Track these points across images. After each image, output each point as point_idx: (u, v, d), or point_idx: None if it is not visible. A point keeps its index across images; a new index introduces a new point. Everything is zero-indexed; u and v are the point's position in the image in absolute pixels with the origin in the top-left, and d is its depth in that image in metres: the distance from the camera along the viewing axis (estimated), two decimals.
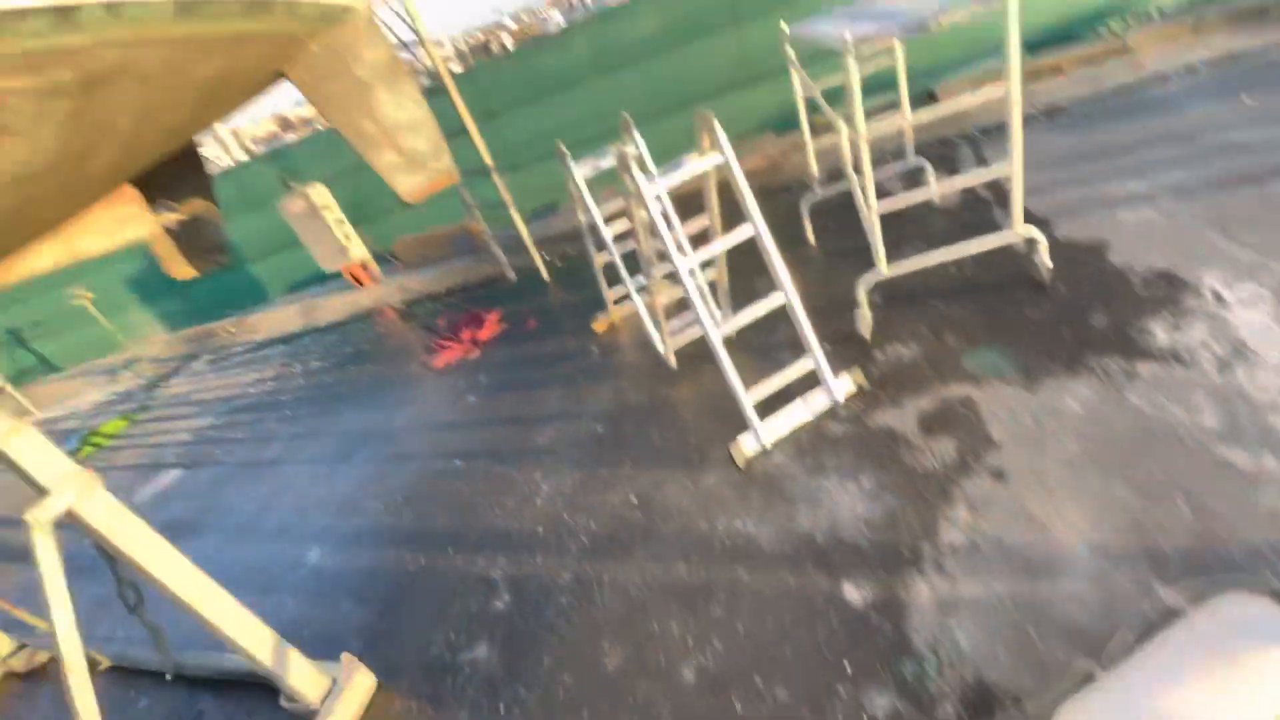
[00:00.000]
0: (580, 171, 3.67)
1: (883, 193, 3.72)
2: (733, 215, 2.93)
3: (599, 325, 4.65)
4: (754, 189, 2.81)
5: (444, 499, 3.56)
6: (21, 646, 3.67)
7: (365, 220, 8.19)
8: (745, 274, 4.10)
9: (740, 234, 2.85)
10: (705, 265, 3.97)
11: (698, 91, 7.08)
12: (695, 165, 2.80)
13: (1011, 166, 2.86)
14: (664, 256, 3.59)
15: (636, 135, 3.58)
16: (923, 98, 5.92)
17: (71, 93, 2.00)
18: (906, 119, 3.42)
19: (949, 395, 2.76)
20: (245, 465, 5.01)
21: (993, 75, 6.24)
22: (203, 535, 4.26)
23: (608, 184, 4.71)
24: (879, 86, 4.29)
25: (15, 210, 2.23)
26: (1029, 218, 3.39)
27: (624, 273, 4.15)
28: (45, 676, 3.59)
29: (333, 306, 8.22)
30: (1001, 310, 3.10)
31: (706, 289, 3.97)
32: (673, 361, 3.83)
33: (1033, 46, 6.04)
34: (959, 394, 2.74)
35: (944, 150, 5.02)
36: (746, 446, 2.83)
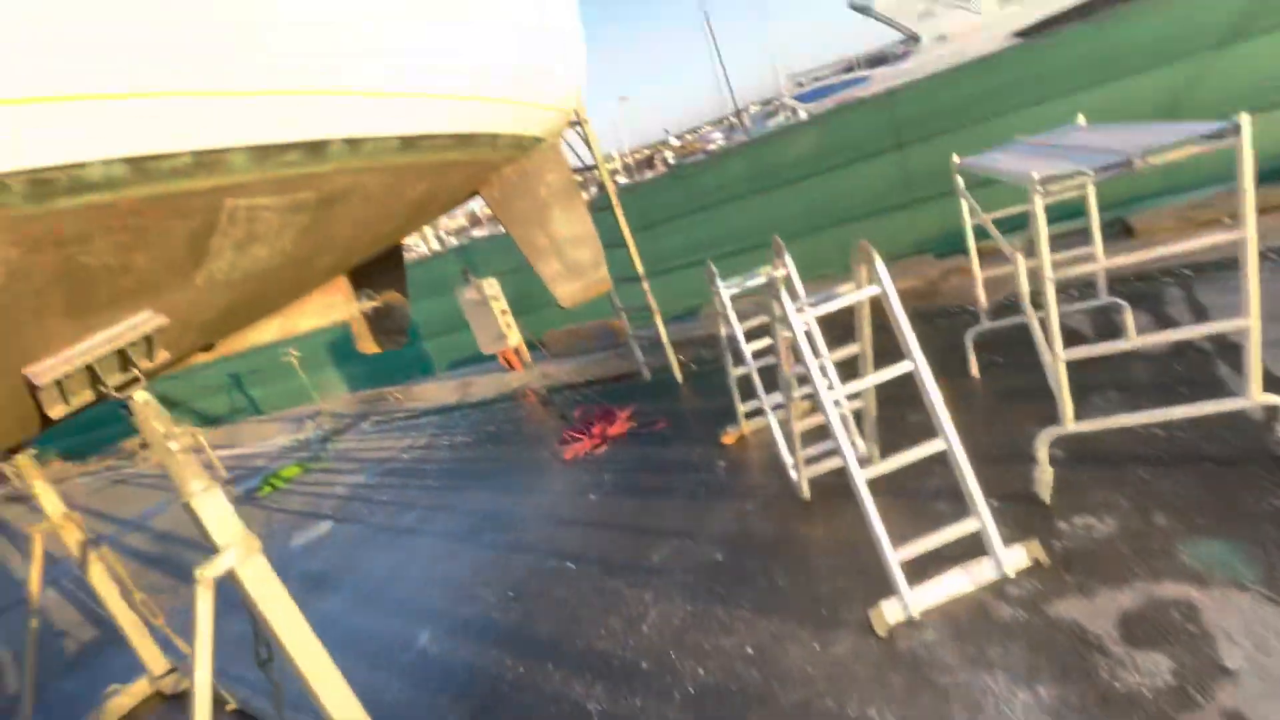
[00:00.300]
0: (727, 291, 3.69)
1: (1067, 331, 3.30)
2: (886, 340, 2.73)
3: (728, 438, 4.50)
4: (909, 311, 2.61)
5: (552, 604, 3.48)
6: (172, 670, 4.04)
7: (524, 311, 8.94)
8: (896, 402, 3.78)
9: (896, 370, 2.63)
10: (852, 396, 3.73)
11: (852, 211, 7.06)
12: (849, 297, 2.68)
13: (1248, 319, 2.40)
14: (806, 380, 3.44)
15: (787, 259, 3.56)
16: (1116, 228, 5.37)
17: (310, 209, 2.41)
18: (1100, 259, 3.06)
19: (1161, 594, 2.22)
20: (383, 529, 5.36)
21: (1201, 208, 5.55)
22: (334, 593, 4.54)
23: (754, 292, 4.71)
24: (1062, 215, 3.94)
25: (253, 298, 2.68)
26: (1269, 381, 2.79)
27: (760, 388, 4.02)
28: (186, 703, 3.90)
29: (484, 385, 8.90)
30: (1235, 493, 2.51)
31: (850, 418, 3.70)
32: (805, 491, 3.55)
33: (1264, 177, 5.31)
34: (1176, 595, 2.19)
35: (1145, 288, 4.43)
36: (889, 613, 2.46)
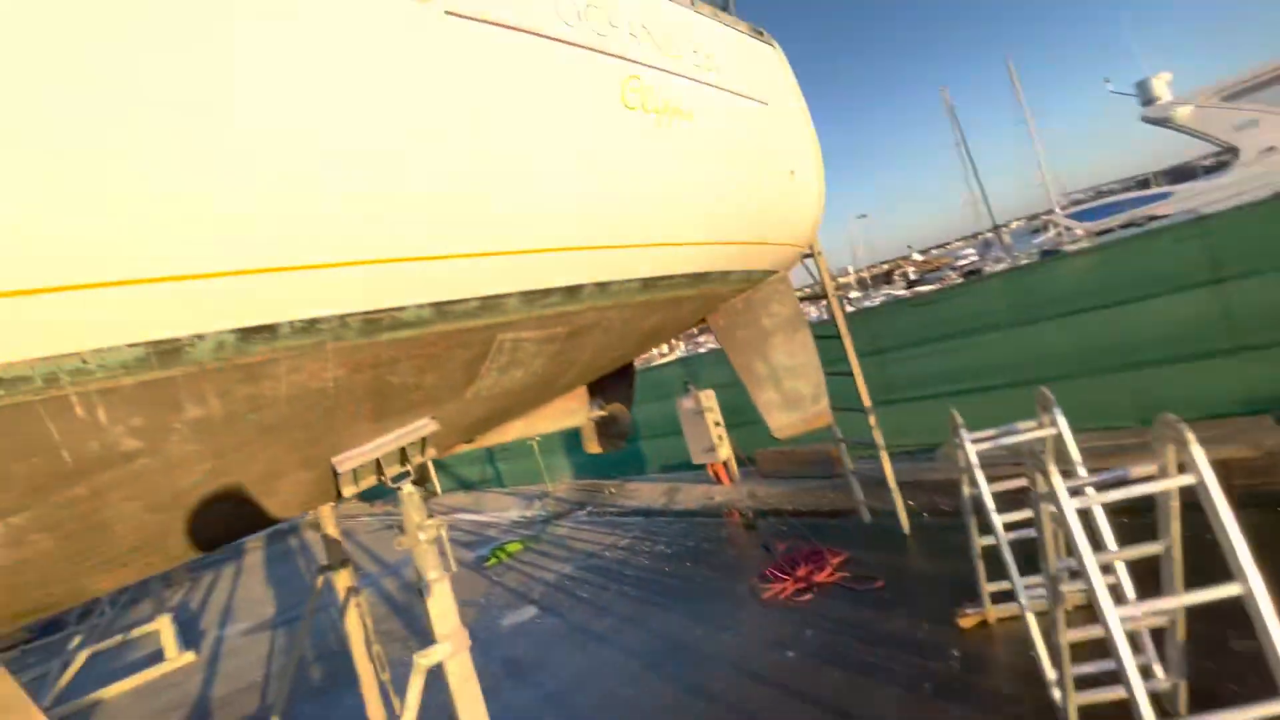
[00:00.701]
0: (974, 446, 3.19)
1: None
2: (1197, 522, 2.04)
3: (967, 620, 3.74)
4: (1236, 495, 1.93)
5: None
6: None
7: (737, 426, 8.91)
8: (1214, 615, 2.79)
9: (1216, 593, 1.95)
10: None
11: (1147, 354, 5.78)
12: (1149, 485, 2.11)
13: None
14: (1078, 575, 2.73)
15: (1058, 416, 2.98)
16: None
17: (560, 340, 2.75)
18: None
19: None
20: (579, 629, 5.47)
21: None
22: (523, 688, 4.69)
23: (1010, 451, 4.02)
24: None
25: (506, 408, 3.08)
26: None
27: (1013, 569, 3.31)
28: None
29: (691, 495, 8.93)
30: None
31: (1146, 635, 2.82)
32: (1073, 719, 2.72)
33: None
34: None
35: None
36: None
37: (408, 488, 2.45)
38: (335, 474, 2.22)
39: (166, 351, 1.53)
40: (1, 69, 1.16)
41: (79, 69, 1.25)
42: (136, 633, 9.55)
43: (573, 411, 4.44)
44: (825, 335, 5.13)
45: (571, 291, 2.46)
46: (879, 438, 5.41)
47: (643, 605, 5.62)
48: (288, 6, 1.54)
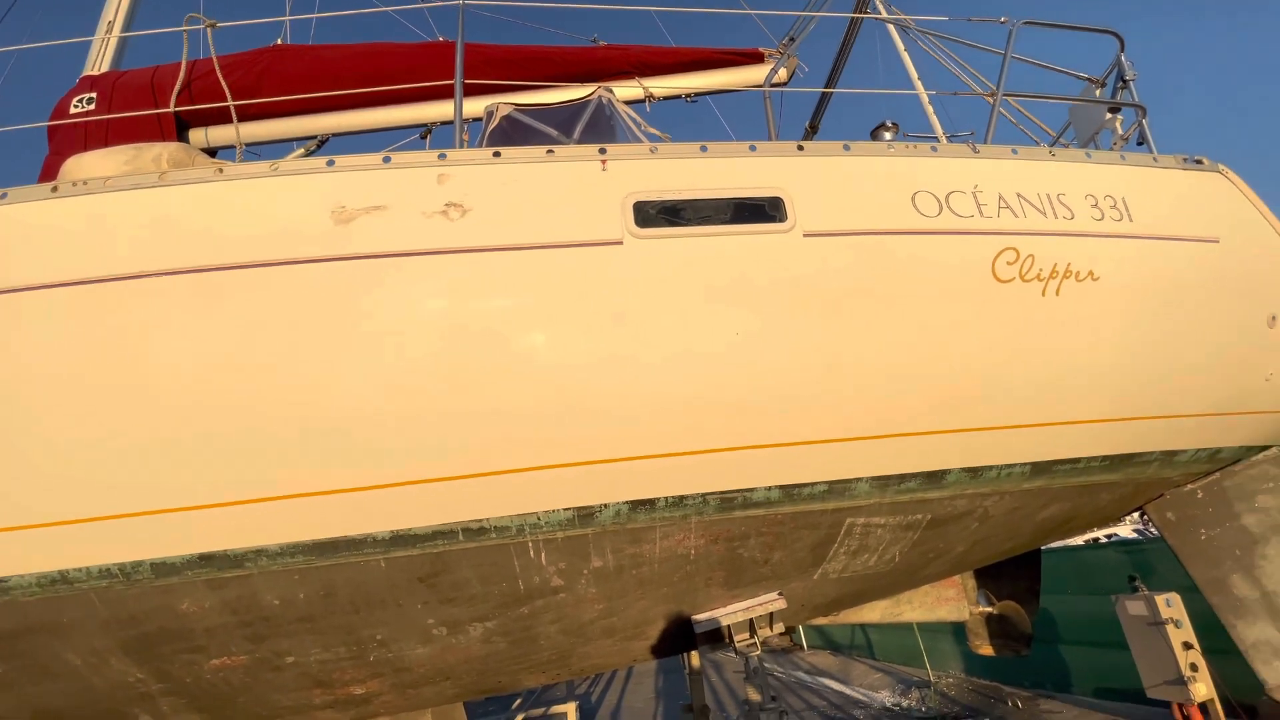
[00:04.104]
0: None
1: None
2: None
3: None
4: None
5: None
6: None
7: (1225, 652, 6.08)
8: None
9: None
10: None
11: None
12: None
13: None
14: None
15: None
16: None
17: (920, 528, 2.53)
18: None
19: None
20: None
21: None
22: None
23: None
24: None
25: (859, 591, 2.92)
26: None
27: None
28: None
29: None
30: None
31: None
32: None
33: None
34: None
35: None
36: None
37: (752, 663, 2.51)
38: (692, 630, 2.45)
39: (584, 515, 2.04)
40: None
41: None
42: (555, 710, 11.52)
43: (948, 600, 3.84)
44: None
45: (933, 477, 2.29)
46: None
47: None
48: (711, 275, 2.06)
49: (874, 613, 3.69)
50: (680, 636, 2.59)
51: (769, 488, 2.12)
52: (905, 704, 9.53)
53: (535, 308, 1.96)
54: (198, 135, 4.44)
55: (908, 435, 2.19)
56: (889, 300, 2.19)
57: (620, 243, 2.03)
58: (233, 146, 4.46)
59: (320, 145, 4.24)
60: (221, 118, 3.98)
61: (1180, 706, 6.33)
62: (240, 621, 2.06)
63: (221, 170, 2.09)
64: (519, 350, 1.93)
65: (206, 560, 1.96)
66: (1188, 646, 6.16)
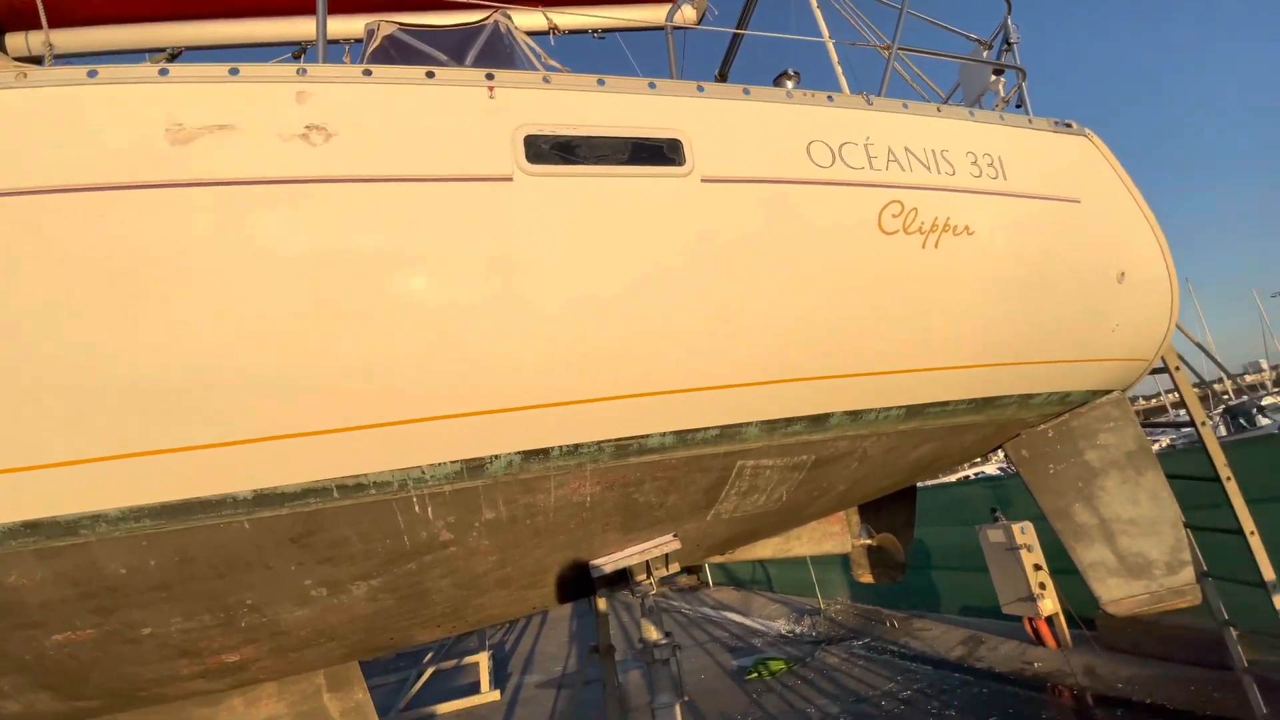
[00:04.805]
0: None
1: None
2: None
3: None
4: None
5: None
6: None
7: (1069, 573, 7.03)
8: None
9: None
10: None
11: None
12: None
13: None
14: None
15: None
16: None
17: (805, 468, 2.65)
18: None
19: None
20: None
21: None
22: None
23: None
24: None
25: (749, 530, 3.06)
26: None
27: None
28: None
29: (998, 652, 7.24)
30: None
31: None
32: None
33: None
34: None
35: None
36: None
37: (647, 601, 2.58)
38: (591, 576, 2.48)
39: (473, 467, 1.97)
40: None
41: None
42: (467, 660, 11.63)
43: (833, 535, 4.13)
44: (1191, 477, 3.84)
45: (817, 420, 2.39)
46: None
47: None
48: (573, 196, 1.96)
49: (766, 549, 3.90)
50: (579, 582, 2.61)
51: (663, 434, 2.14)
52: (798, 630, 10.38)
53: (414, 247, 1.81)
54: (15, 41, 3.73)
55: (796, 381, 2.26)
56: (783, 249, 2.21)
57: (510, 179, 1.91)
58: (75, 55, 3.77)
59: (172, 60, 3.68)
60: (54, 20, 3.36)
61: (1030, 620, 7.30)
62: (82, 593, 1.85)
63: (25, 75, 1.74)
64: (395, 294, 1.78)
65: (32, 528, 1.72)
66: (1037, 568, 7.05)
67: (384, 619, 2.26)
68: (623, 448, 2.11)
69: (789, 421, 2.34)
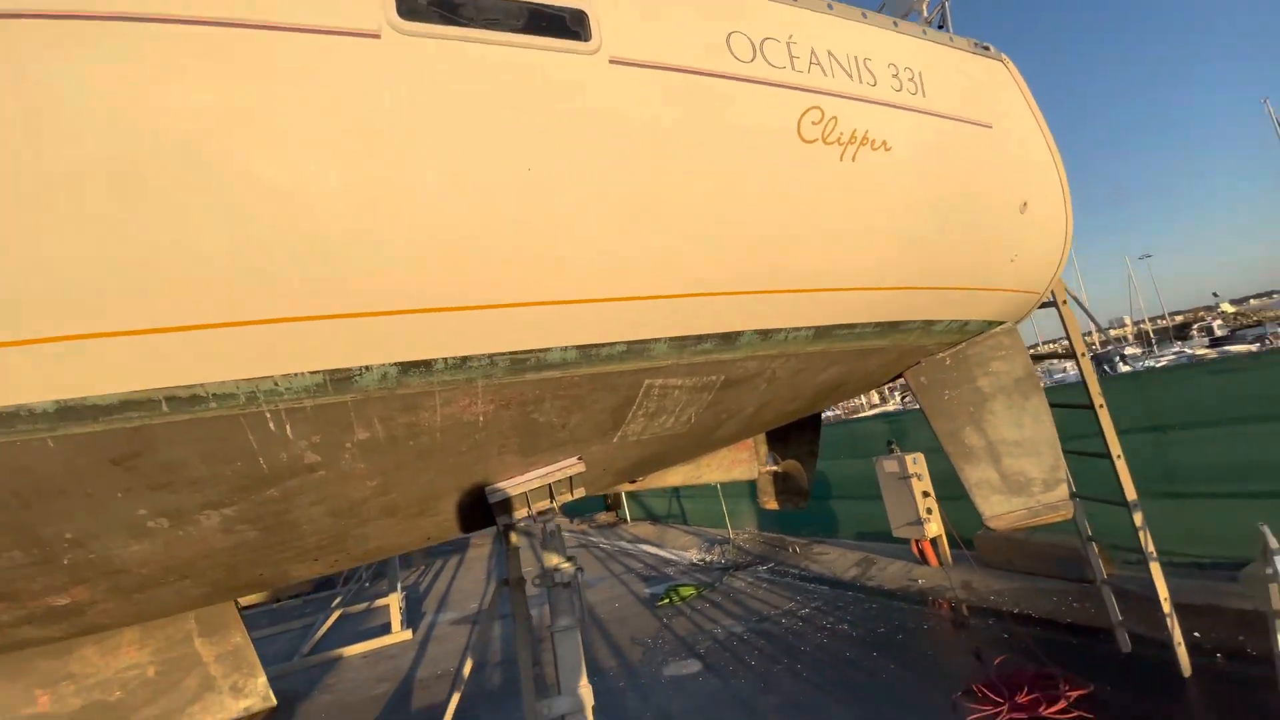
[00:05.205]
0: None
1: None
2: None
3: None
4: None
5: None
6: None
7: (953, 498, 7.66)
8: None
9: None
10: None
11: None
12: None
13: None
14: None
15: None
16: None
17: (715, 389, 2.58)
18: None
19: None
20: (740, 702, 5.06)
21: None
22: None
23: None
24: None
25: (659, 454, 2.99)
26: None
27: None
28: None
29: (888, 572, 7.86)
30: None
31: None
32: None
33: None
34: None
35: None
36: None
37: (549, 526, 2.46)
38: (488, 502, 2.32)
39: (340, 380, 1.72)
40: None
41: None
42: (379, 603, 11.41)
43: (741, 462, 4.19)
44: (1070, 405, 4.14)
45: (727, 338, 2.29)
46: (1148, 542, 4.15)
47: (815, 692, 5.00)
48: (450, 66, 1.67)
49: (677, 476, 3.90)
50: (477, 510, 2.45)
51: (565, 348, 1.96)
52: (709, 559, 10.86)
53: (254, 110, 1.48)
54: None
55: (707, 295, 2.13)
56: (698, 149, 2.03)
57: (377, 35, 1.59)
58: None
59: None
60: None
61: (916, 542, 7.94)
62: None
63: None
64: (228, 167, 1.46)
65: None
66: (925, 495, 7.60)
67: (248, 553, 2.01)
68: (519, 362, 1.92)
69: (699, 339, 2.23)
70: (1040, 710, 3.94)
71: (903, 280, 2.70)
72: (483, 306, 1.80)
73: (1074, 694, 4.04)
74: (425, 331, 1.76)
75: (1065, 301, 4.05)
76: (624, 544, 14.09)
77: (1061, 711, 3.90)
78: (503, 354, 1.88)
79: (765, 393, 2.72)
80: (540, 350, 1.93)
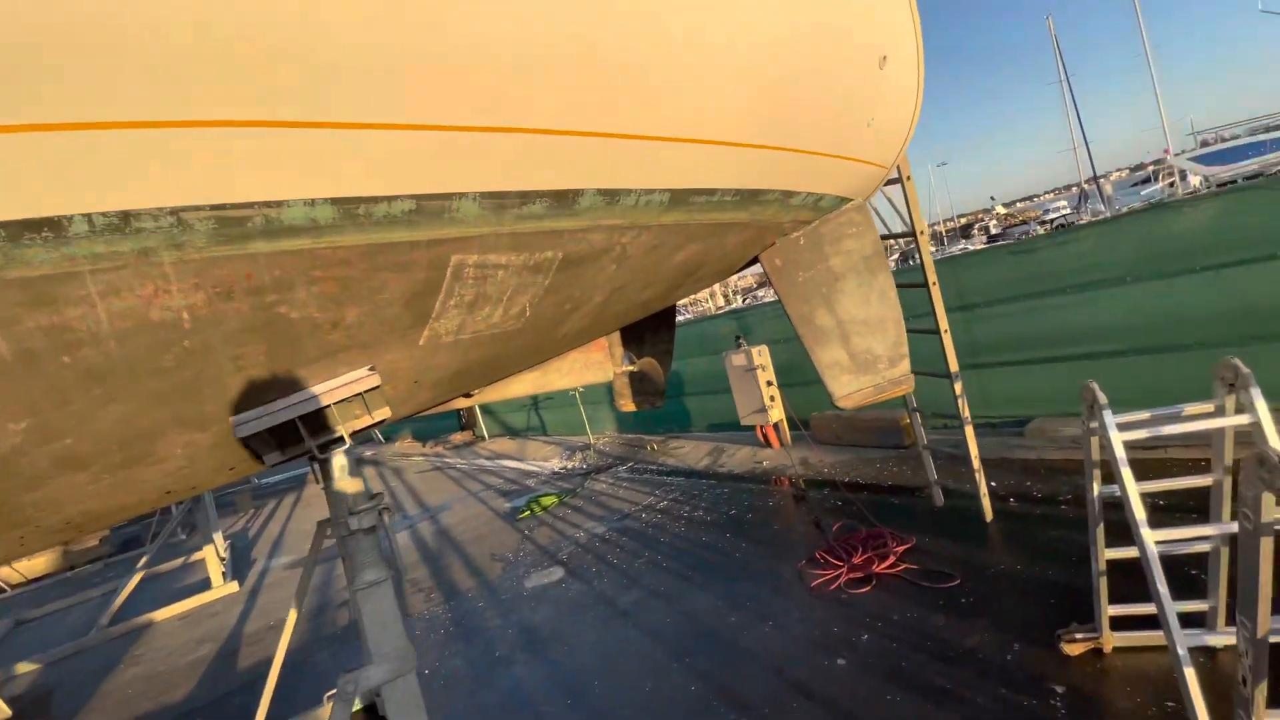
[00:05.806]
0: (1120, 433, 2.34)
1: None
2: None
3: (1073, 646, 2.97)
4: None
5: None
6: None
7: (792, 386, 8.09)
8: None
9: None
10: None
11: None
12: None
13: None
14: None
15: (1256, 399, 2.11)
16: None
17: (552, 270, 2.07)
18: None
19: None
20: (603, 600, 5.01)
21: None
22: (537, 664, 4.27)
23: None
24: None
25: (490, 360, 2.47)
26: None
27: (1163, 593, 2.47)
28: None
29: (737, 457, 8.27)
30: None
31: None
32: None
33: None
34: None
35: None
36: None
37: (340, 460, 1.88)
38: (241, 438, 1.66)
39: None
40: None
41: None
42: (195, 557, 9.97)
43: (595, 364, 3.81)
44: (906, 284, 4.23)
45: (563, 198, 1.76)
46: (965, 409, 4.53)
47: (675, 579, 5.09)
48: None
49: (523, 385, 3.43)
50: (228, 451, 1.78)
51: (310, 201, 1.31)
52: (570, 466, 10.79)
53: None
54: None
55: (532, 132, 1.56)
56: None
57: None
58: None
59: None
60: None
61: (760, 427, 8.35)
62: None
63: None
64: None
65: None
66: (769, 384, 7.91)
67: None
68: (233, 223, 1.25)
69: (525, 196, 1.67)
70: (875, 567, 4.28)
71: (763, 137, 2.32)
72: (158, 124, 1.08)
73: (900, 549, 4.44)
74: (45, 169, 1.02)
75: (909, 177, 4.02)
76: (483, 461, 13.60)
77: (890, 566, 4.27)
78: (203, 209, 1.19)
79: (615, 276, 2.27)
80: (269, 204, 1.26)
